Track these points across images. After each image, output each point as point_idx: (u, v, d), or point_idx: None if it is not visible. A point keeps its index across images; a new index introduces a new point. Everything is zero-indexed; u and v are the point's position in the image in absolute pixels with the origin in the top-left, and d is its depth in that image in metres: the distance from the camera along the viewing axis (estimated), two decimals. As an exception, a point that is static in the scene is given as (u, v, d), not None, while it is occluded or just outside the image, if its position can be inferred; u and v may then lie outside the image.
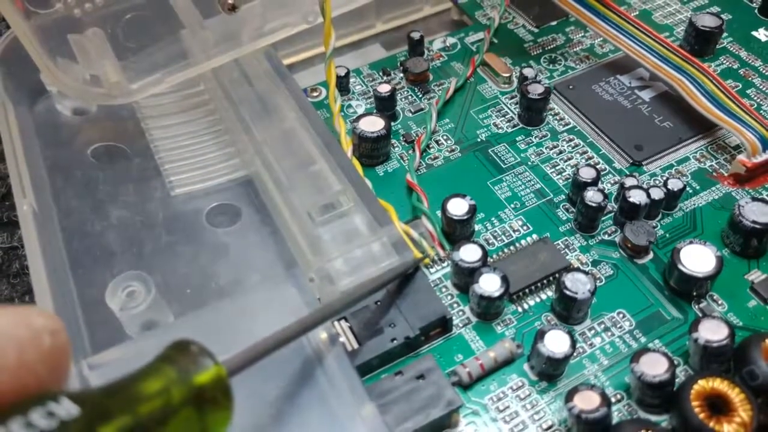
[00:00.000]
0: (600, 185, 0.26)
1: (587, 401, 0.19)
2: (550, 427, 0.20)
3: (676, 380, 0.20)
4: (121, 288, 0.22)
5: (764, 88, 0.31)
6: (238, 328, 0.21)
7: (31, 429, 0.11)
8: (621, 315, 0.23)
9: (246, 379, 0.20)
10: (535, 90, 0.29)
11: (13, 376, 0.12)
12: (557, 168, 0.28)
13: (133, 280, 0.23)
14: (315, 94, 0.32)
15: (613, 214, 0.26)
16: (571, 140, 0.29)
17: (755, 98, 0.30)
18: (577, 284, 0.22)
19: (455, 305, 0.24)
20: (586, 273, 0.22)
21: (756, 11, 0.35)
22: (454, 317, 0.23)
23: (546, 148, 0.29)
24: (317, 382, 0.20)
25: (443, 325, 0.23)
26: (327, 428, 0.19)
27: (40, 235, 0.23)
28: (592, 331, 0.23)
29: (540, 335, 0.21)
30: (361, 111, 0.31)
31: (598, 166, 0.28)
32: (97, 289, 0.23)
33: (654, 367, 0.20)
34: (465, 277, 0.23)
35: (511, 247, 0.25)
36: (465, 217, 0.24)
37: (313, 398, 0.20)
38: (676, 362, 0.21)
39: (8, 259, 0.28)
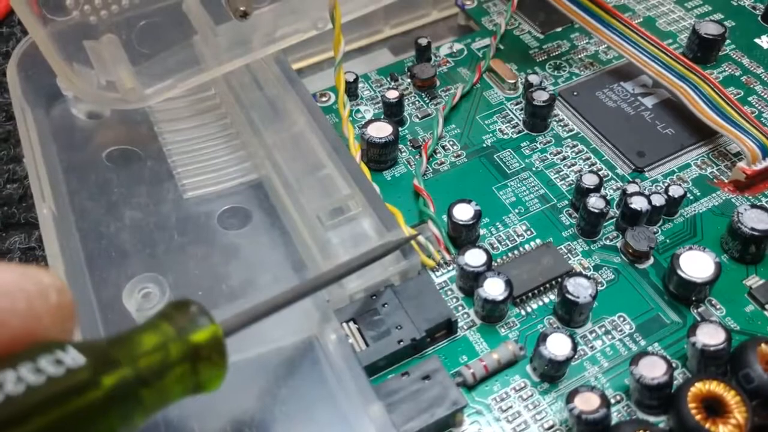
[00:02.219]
0: (602, 191, 0.27)
1: (587, 402, 0.20)
2: (551, 427, 0.21)
3: (674, 383, 0.21)
4: (138, 289, 0.23)
5: (766, 96, 0.31)
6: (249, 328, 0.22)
7: (39, 374, 0.12)
8: (621, 318, 0.24)
9: (257, 378, 0.21)
10: (540, 97, 0.29)
11: (22, 322, 0.13)
12: (561, 174, 0.29)
13: (148, 282, 0.23)
14: (324, 99, 0.32)
15: (614, 219, 0.26)
16: (574, 146, 0.30)
17: (757, 105, 0.31)
18: (579, 288, 0.23)
19: (460, 308, 0.24)
20: (587, 277, 0.23)
21: (759, 19, 0.35)
22: (459, 320, 0.24)
23: (550, 154, 0.29)
24: (327, 382, 0.21)
25: (448, 327, 0.23)
26: (336, 426, 0.20)
27: (60, 238, 0.24)
28: (593, 334, 0.23)
29: (542, 338, 0.22)
30: (369, 116, 0.31)
31: (600, 173, 0.28)
32: (112, 290, 0.24)
33: (653, 369, 0.21)
34: (470, 281, 0.24)
35: (515, 252, 0.26)
36: (470, 222, 0.25)
37: (322, 397, 0.21)
38: (674, 365, 0.21)
39: (26, 260, 0.29)
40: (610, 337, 0.23)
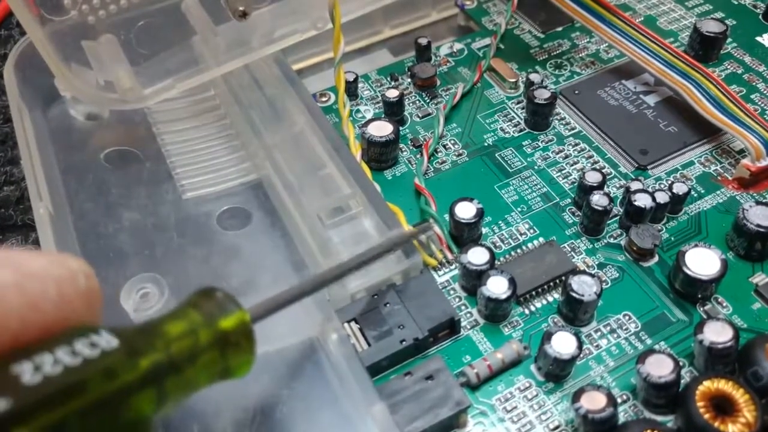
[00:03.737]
0: (606, 189, 0.26)
1: (594, 402, 0.20)
2: (557, 428, 0.21)
3: (682, 381, 0.21)
4: (136, 290, 0.23)
5: (768, 93, 0.31)
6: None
7: (75, 356, 0.12)
8: (627, 317, 0.23)
9: (259, 379, 0.21)
10: (541, 95, 0.29)
11: (55, 307, 0.13)
12: (563, 172, 0.28)
13: (146, 282, 0.23)
14: (324, 99, 0.32)
15: (618, 217, 0.26)
16: (576, 144, 0.29)
17: (759, 103, 0.30)
18: (584, 287, 0.22)
19: (463, 307, 0.24)
20: (592, 275, 0.23)
21: (760, 17, 0.35)
22: (462, 319, 0.23)
23: (552, 152, 0.29)
24: (329, 383, 0.21)
25: (451, 326, 0.23)
26: (338, 427, 0.20)
27: (56, 238, 0.23)
28: (598, 333, 0.23)
29: (547, 337, 0.21)
30: (369, 116, 0.31)
31: (603, 170, 0.28)
32: (110, 291, 0.24)
33: (659, 368, 0.20)
34: (473, 280, 0.24)
35: (518, 250, 0.26)
36: (472, 221, 0.25)
37: (324, 398, 0.20)
38: (681, 363, 0.21)
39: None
40: (615, 335, 0.23)
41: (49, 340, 0.12)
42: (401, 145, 0.30)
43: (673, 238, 0.26)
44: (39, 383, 0.12)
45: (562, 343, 0.21)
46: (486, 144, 0.30)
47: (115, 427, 0.13)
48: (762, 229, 0.24)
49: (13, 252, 0.13)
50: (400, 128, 0.30)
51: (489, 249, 0.24)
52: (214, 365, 0.15)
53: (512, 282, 0.23)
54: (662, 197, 0.25)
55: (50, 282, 0.13)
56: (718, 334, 0.21)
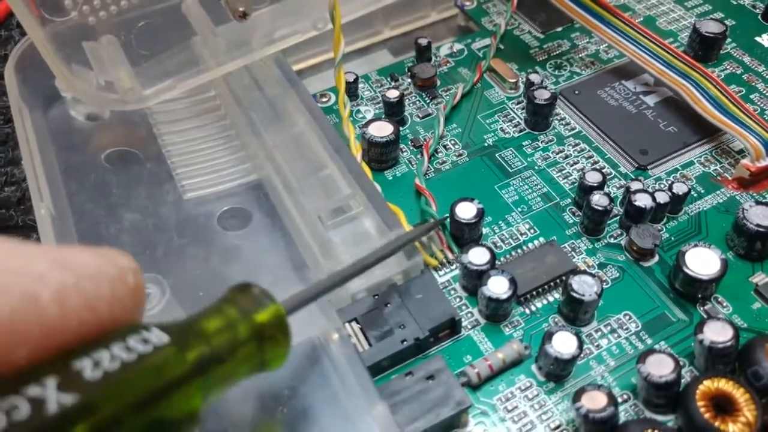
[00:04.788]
0: (606, 189, 0.26)
1: (594, 401, 0.20)
2: (557, 427, 0.21)
3: (682, 381, 0.21)
4: (137, 290, 0.23)
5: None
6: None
7: (130, 352, 0.13)
8: (627, 317, 0.23)
9: (258, 379, 0.21)
10: (541, 95, 0.29)
11: (108, 306, 0.13)
12: (563, 172, 0.28)
13: (147, 283, 0.23)
14: (324, 99, 0.32)
15: (618, 217, 0.26)
16: (576, 145, 0.29)
17: (759, 103, 0.31)
18: (584, 286, 0.22)
19: (464, 307, 0.24)
20: (592, 275, 0.23)
21: (759, 17, 0.35)
22: (462, 319, 0.23)
23: (552, 152, 0.29)
24: (330, 383, 0.20)
25: (452, 326, 0.23)
26: (339, 427, 0.20)
27: (57, 238, 0.23)
28: (599, 333, 0.23)
29: (547, 336, 0.21)
30: (369, 116, 0.31)
31: (603, 171, 0.28)
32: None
33: (660, 367, 0.20)
34: (473, 280, 0.24)
35: (519, 250, 0.26)
36: (473, 221, 0.25)
37: (325, 398, 0.20)
38: (681, 363, 0.21)
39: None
40: (616, 335, 0.23)
41: (104, 338, 0.13)
42: (401, 146, 0.30)
43: (673, 238, 0.26)
44: (100, 378, 0.12)
45: (563, 343, 0.21)
46: (486, 144, 0.30)
47: (170, 420, 0.13)
48: (762, 229, 0.24)
49: (70, 251, 0.13)
50: (401, 128, 0.30)
51: (489, 249, 0.24)
52: (252, 358, 0.16)
53: (513, 282, 0.23)
54: (662, 197, 0.25)
55: (104, 281, 0.13)
56: (718, 333, 0.21)
